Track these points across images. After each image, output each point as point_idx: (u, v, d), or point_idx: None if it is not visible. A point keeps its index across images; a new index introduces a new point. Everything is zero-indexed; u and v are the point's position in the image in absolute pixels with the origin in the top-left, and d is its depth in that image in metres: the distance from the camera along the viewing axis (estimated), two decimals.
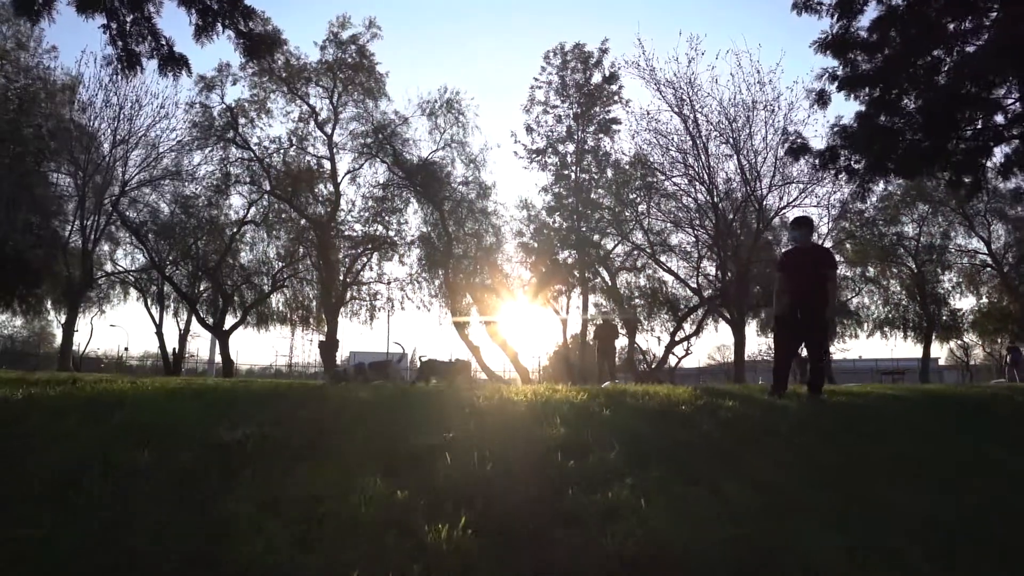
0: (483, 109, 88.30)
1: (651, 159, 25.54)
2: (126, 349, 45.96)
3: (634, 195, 27.00)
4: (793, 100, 23.22)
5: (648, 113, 24.81)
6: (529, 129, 28.07)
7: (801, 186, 24.54)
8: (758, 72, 24.04)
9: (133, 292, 27.15)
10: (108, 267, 27.52)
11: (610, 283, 29.55)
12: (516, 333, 28.15)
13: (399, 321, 78.80)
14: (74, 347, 34.95)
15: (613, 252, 29.04)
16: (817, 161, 11.05)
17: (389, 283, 27.06)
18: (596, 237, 27.54)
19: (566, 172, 27.99)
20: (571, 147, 28.22)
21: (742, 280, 24.75)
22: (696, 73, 24.71)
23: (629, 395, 6.01)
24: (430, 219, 26.91)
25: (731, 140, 23.73)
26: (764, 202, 24.84)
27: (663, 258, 28.40)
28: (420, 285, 26.93)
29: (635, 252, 29.44)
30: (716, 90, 23.97)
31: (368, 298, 26.49)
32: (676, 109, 24.05)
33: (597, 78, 28.64)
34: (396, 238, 26.40)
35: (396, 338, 44.15)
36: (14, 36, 23.25)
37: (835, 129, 10.41)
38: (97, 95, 23.50)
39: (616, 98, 28.75)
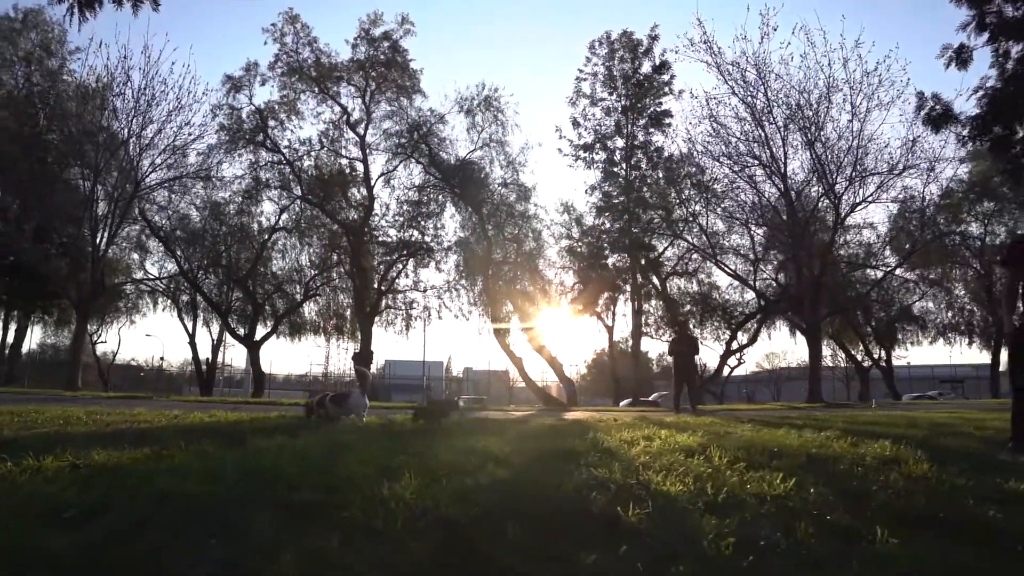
0: (522, 107, 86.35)
1: (711, 151, 23.13)
2: (161, 359, 45.83)
3: (689, 192, 24.70)
4: (882, 74, 20.50)
5: (709, 101, 22.36)
6: (576, 123, 26.15)
7: (878, 179, 21.81)
8: (841, 46, 21.47)
9: (163, 301, 26.26)
10: (137, 275, 26.68)
11: (661, 288, 27.27)
12: (558, 342, 25.98)
13: (436, 330, 76.88)
14: (102, 356, 35.05)
15: (664, 255, 26.80)
16: (967, 131, 8.73)
17: (425, 291, 25.48)
18: (648, 239, 25.35)
19: (615, 169, 25.88)
20: (620, 142, 26.15)
21: (818, 283, 22.13)
22: (768, 52, 22.37)
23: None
24: (468, 223, 25.20)
25: (805, 128, 21.13)
26: (842, 196, 22.13)
27: (719, 260, 26.02)
28: (458, 292, 25.25)
29: (688, 254, 27.13)
30: (787, 72, 21.34)
31: (404, 306, 24.95)
32: (743, 94, 21.61)
33: (646, 68, 26.59)
34: (432, 243, 24.80)
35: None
36: (41, 40, 22.74)
37: (983, 93, 8.11)
38: (111, 87, 21.89)
39: (667, 89, 26.66)
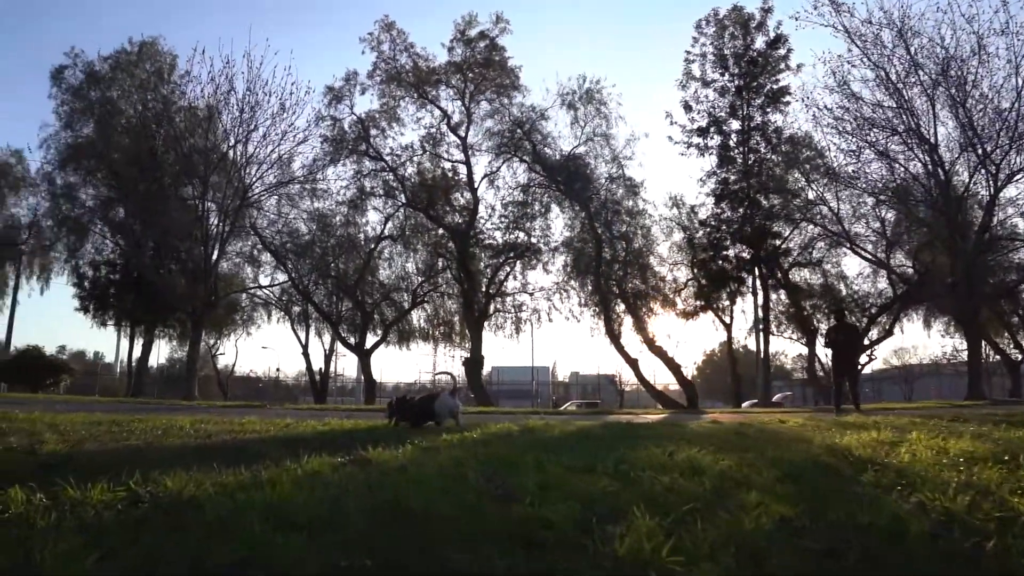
0: (625, 97, 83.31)
1: (838, 126, 20.92)
2: (278, 370, 47.57)
3: (814, 173, 22.58)
4: None
5: (836, 71, 20.20)
6: (687, 107, 24.47)
7: None
8: None
9: (277, 313, 26.80)
10: (251, 289, 27.34)
11: (785, 279, 25.18)
12: (674, 341, 24.49)
13: (545, 334, 75.69)
14: (222, 368, 36.52)
15: (788, 243, 24.70)
16: None
17: (532, 293, 24.66)
18: (772, 226, 23.42)
19: (731, 154, 24.06)
20: (735, 124, 24.30)
21: (975, 265, 19.59)
22: (907, 4, 20.03)
23: None
24: (574, 222, 24.19)
25: (958, 86, 18.67)
26: (1000, 164, 19.44)
27: (847, 247, 23.70)
28: (567, 294, 24.28)
29: (813, 242, 24.93)
30: (929, 27, 18.98)
31: (512, 310, 24.21)
32: (877, 57, 19.39)
33: (760, 43, 24.60)
34: (539, 244, 23.95)
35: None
36: (154, 69, 23.63)
37: None
38: (216, 95, 21.92)
39: (784, 64, 24.54)
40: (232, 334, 30.58)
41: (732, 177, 23.86)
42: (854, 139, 20.11)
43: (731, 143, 24.27)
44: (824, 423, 7.28)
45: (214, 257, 22.19)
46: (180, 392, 24.75)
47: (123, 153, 24.24)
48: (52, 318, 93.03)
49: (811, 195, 23.14)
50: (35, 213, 29.59)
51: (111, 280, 28.41)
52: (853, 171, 21.07)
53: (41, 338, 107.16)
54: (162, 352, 51.69)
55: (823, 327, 26.15)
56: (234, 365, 37.50)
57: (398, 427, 5.87)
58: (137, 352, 29.98)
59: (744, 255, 23.48)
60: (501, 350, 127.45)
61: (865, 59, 19.62)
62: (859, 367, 14.68)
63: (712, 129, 24.06)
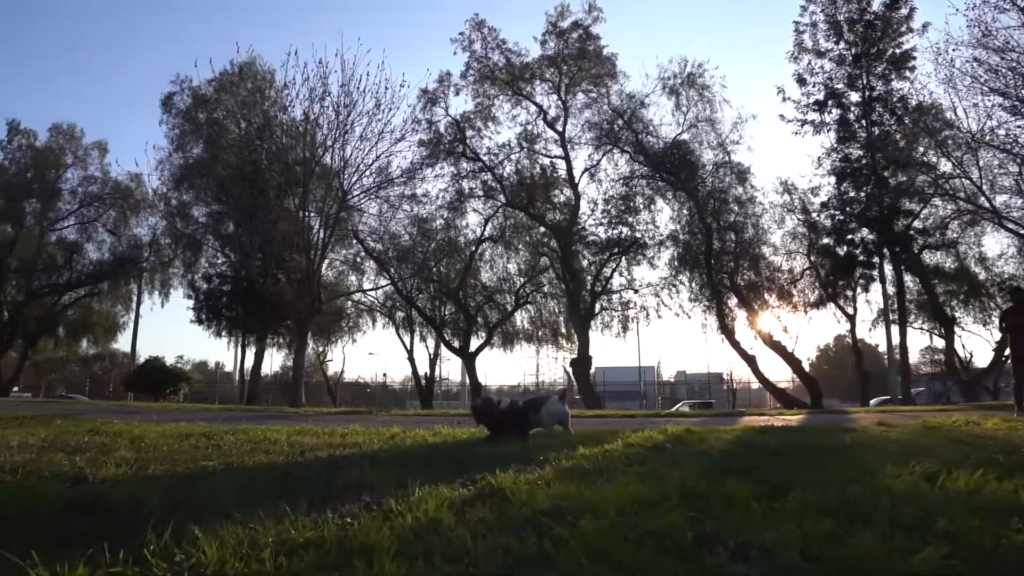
0: (729, 79, 79.31)
1: (980, 86, 18.67)
2: (384, 375, 48.87)
3: (954, 143, 20.39)
4: None
5: (978, 22, 17.92)
6: (801, 80, 22.75)
7: None
8: None
9: (381, 319, 27.22)
10: (356, 296, 27.89)
11: (917, 263, 23.01)
12: (791, 336, 22.93)
13: (648, 333, 72.90)
14: (331, 374, 37.74)
15: (919, 222, 22.53)
16: None
17: (638, 290, 23.77)
18: (903, 204, 21.44)
19: (852, 128, 22.19)
20: (855, 96, 22.40)
21: None
22: None
23: None
24: (681, 213, 23.14)
25: None
26: None
27: (993, 223, 21.31)
28: (676, 289, 23.23)
29: (947, 221, 22.66)
30: None
31: (619, 308, 23.44)
32: None
33: (877, 5, 22.54)
34: (645, 238, 23.01)
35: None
36: (255, 87, 24.37)
37: None
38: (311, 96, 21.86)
39: (907, 25, 22.37)
40: (339, 341, 31.42)
41: (855, 153, 21.99)
42: (1007, 98, 17.90)
43: (851, 116, 22.39)
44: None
45: (315, 264, 22.63)
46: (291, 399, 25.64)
47: (230, 169, 25.25)
48: (172, 330, 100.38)
49: (947, 167, 20.96)
50: (154, 232, 31.52)
51: (223, 291, 29.83)
52: (1006, 134, 18.85)
53: (163, 349, 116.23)
54: (275, 360, 54.08)
55: (959, 315, 23.85)
56: (342, 371, 38.56)
57: (494, 437, 5.12)
58: (250, 361, 31.37)
59: (868, 239, 21.60)
60: (604, 350, 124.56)
61: (1012, 6, 17.40)
62: None
63: (830, 102, 22.27)
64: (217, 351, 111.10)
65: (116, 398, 33.07)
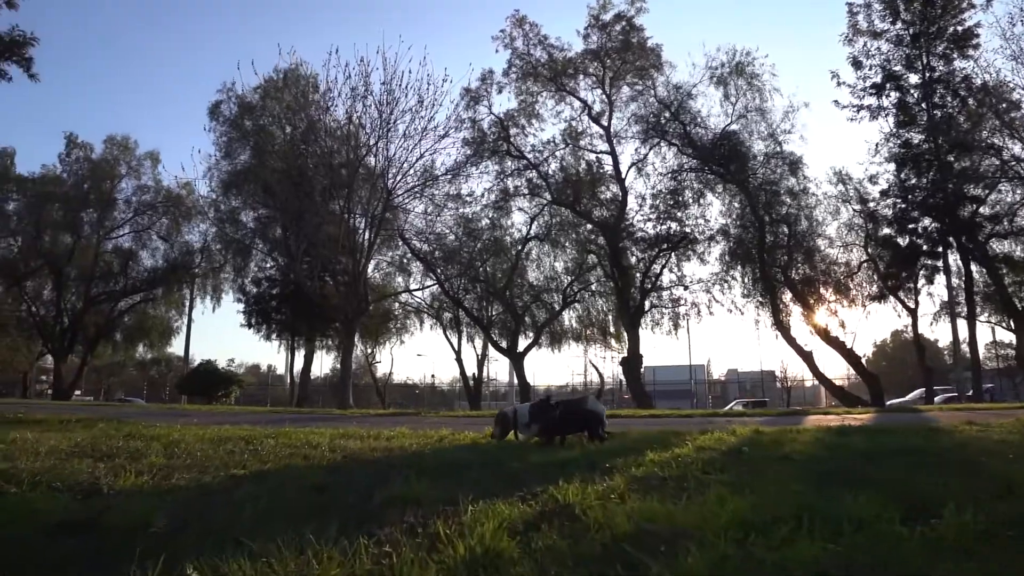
0: (779, 67, 76.17)
1: None
2: (432, 376, 49.31)
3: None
4: None
5: None
6: (857, 63, 21.88)
7: None
8: None
9: (429, 320, 27.38)
10: (401, 297, 28.06)
11: (983, 253, 21.99)
12: (850, 331, 22.21)
13: (696, 330, 70.38)
14: (379, 376, 38.18)
15: (986, 209, 21.50)
16: None
17: (688, 287, 23.31)
18: (970, 190, 20.52)
19: (912, 112, 21.28)
20: (914, 78, 21.50)
21: None
22: None
23: None
24: (731, 206, 22.60)
25: None
26: None
27: None
28: (728, 285, 22.72)
29: (1016, 208, 21.60)
30: None
31: (670, 305, 23.04)
32: None
33: None
34: (694, 233, 22.55)
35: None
36: (299, 92, 24.70)
37: None
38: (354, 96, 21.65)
39: (967, 2, 21.31)
40: (387, 342, 31.74)
41: (915, 138, 21.11)
42: None
43: (910, 99, 21.49)
44: None
45: (362, 265, 22.74)
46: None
47: (276, 174, 25.64)
48: (224, 334, 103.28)
49: (1016, 149, 19.99)
50: (204, 238, 32.36)
51: (271, 295, 30.41)
52: None
53: (215, 353, 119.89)
54: (325, 363, 54.99)
55: None
56: (391, 373, 38.94)
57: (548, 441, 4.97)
58: (300, 363, 31.95)
59: (931, 229, 20.71)
60: (653, 349, 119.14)
61: None
62: None
63: (888, 85, 21.37)
64: (269, 354, 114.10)
65: (171, 401, 34.10)
